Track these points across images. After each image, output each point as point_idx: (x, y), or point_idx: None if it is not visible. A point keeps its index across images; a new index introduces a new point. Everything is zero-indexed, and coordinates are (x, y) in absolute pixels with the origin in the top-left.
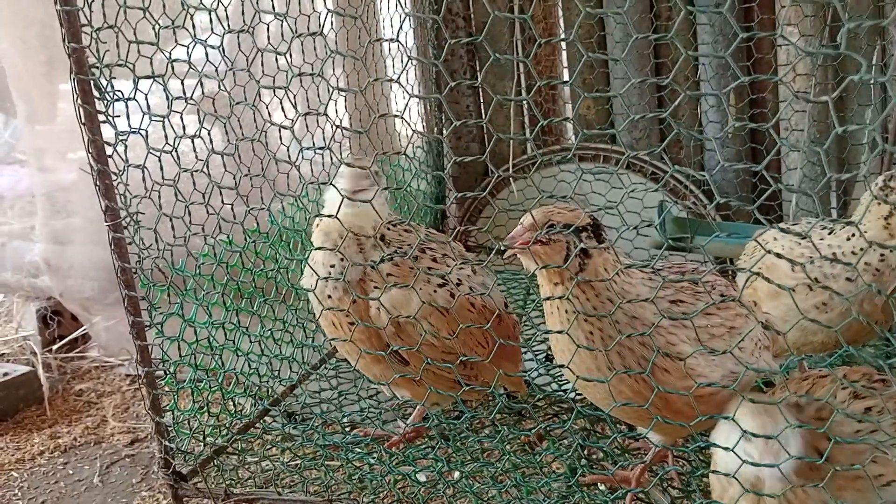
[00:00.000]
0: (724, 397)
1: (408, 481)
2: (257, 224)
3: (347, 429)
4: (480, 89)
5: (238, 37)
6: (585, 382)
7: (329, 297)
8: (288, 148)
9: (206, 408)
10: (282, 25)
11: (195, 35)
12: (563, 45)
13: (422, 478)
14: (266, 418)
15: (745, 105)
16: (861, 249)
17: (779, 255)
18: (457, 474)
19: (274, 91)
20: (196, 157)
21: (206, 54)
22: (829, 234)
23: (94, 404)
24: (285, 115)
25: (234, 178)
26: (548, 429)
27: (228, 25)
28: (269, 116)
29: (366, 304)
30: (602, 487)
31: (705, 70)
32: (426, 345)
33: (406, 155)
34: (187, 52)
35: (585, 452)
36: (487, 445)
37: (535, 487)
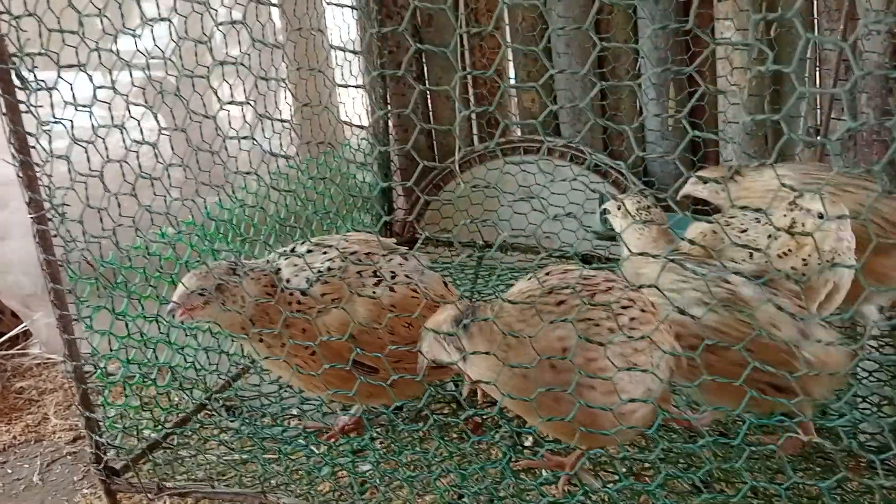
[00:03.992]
0: (646, 412)
1: (345, 472)
2: (192, 216)
3: (287, 422)
4: (427, 81)
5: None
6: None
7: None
8: (224, 139)
9: (140, 403)
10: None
11: (143, 22)
12: (509, 37)
13: (366, 467)
14: (204, 412)
15: (685, 97)
16: (783, 254)
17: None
18: (368, 466)
19: (206, 82)
20: (126, 148)
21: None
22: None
23: (35, 402)
24: (228, 101)
25: (166, 167)
26: (483, 416)
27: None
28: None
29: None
30: (546, 473)
31: (645, 64)
32: (390, 344)
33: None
34: (135, 41)
35: (520, 438)
36: (426, 435)
37: (467, 474)
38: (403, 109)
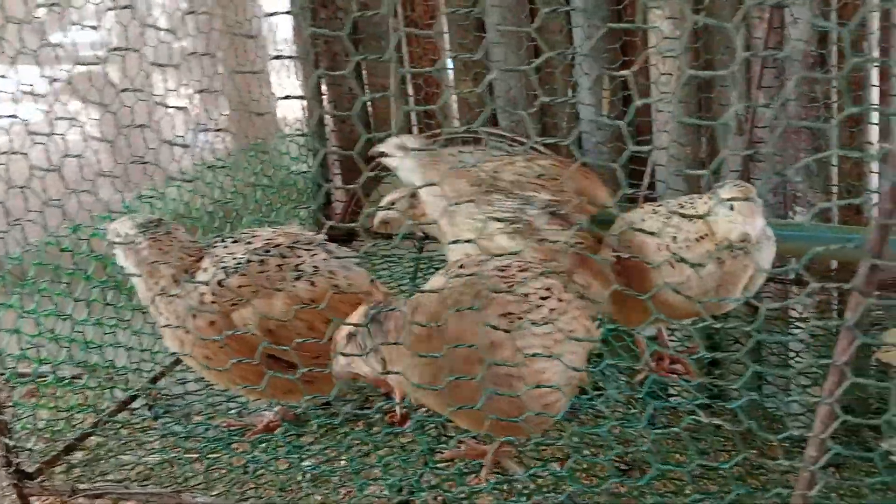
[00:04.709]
0: (567, 399)
1: (264, 469)
2: (109, 212)
3: (211, 420)
4: (364, 71)
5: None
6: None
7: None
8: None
9: (54, 404)
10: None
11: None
12: (445, 27)
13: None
14: (125, 412)
15: (618, 86)
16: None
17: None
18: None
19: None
20: (32, 141)
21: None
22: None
23: None
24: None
25: (58, 161)
26: (411, 407)
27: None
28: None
29: (229, 322)
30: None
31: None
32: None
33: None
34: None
35: (446, 430)
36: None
37: (384, 466)
38: (339, 101)
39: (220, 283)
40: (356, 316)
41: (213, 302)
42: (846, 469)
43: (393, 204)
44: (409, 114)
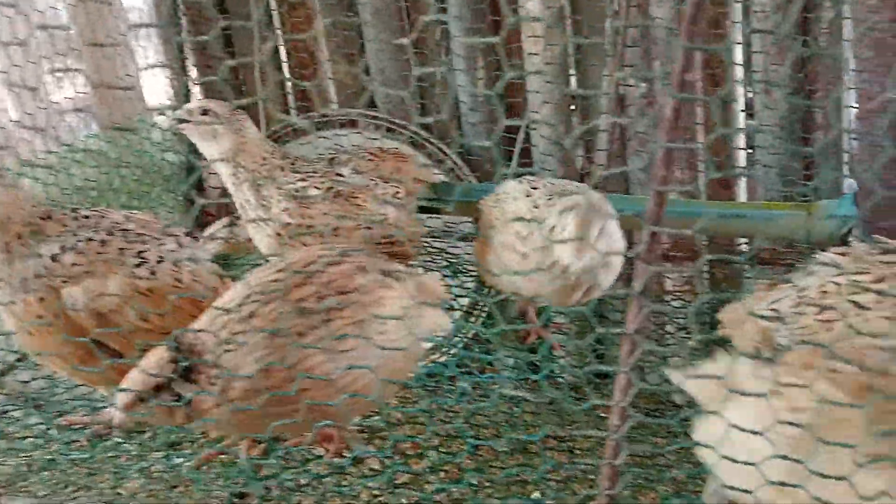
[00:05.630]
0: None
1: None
2: None
3: (59, 420)
4: (237, 54)
5: None
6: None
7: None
8: None
9: None
10: None
11: None
12: (318, 8)
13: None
14: None
15: (491, 65)
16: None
17: None
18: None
19: None
20: None
21: None
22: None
23: None
24: None
25: None
26: None
27: None
28: None
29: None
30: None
31: (453, 31)
32: (140, 330)
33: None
34: None
35: None
36: None
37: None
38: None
39: (53, 258)
40: (156, 364)
41: (44, 276)
42: None
43: (213, 239)
44: (285, 95)
